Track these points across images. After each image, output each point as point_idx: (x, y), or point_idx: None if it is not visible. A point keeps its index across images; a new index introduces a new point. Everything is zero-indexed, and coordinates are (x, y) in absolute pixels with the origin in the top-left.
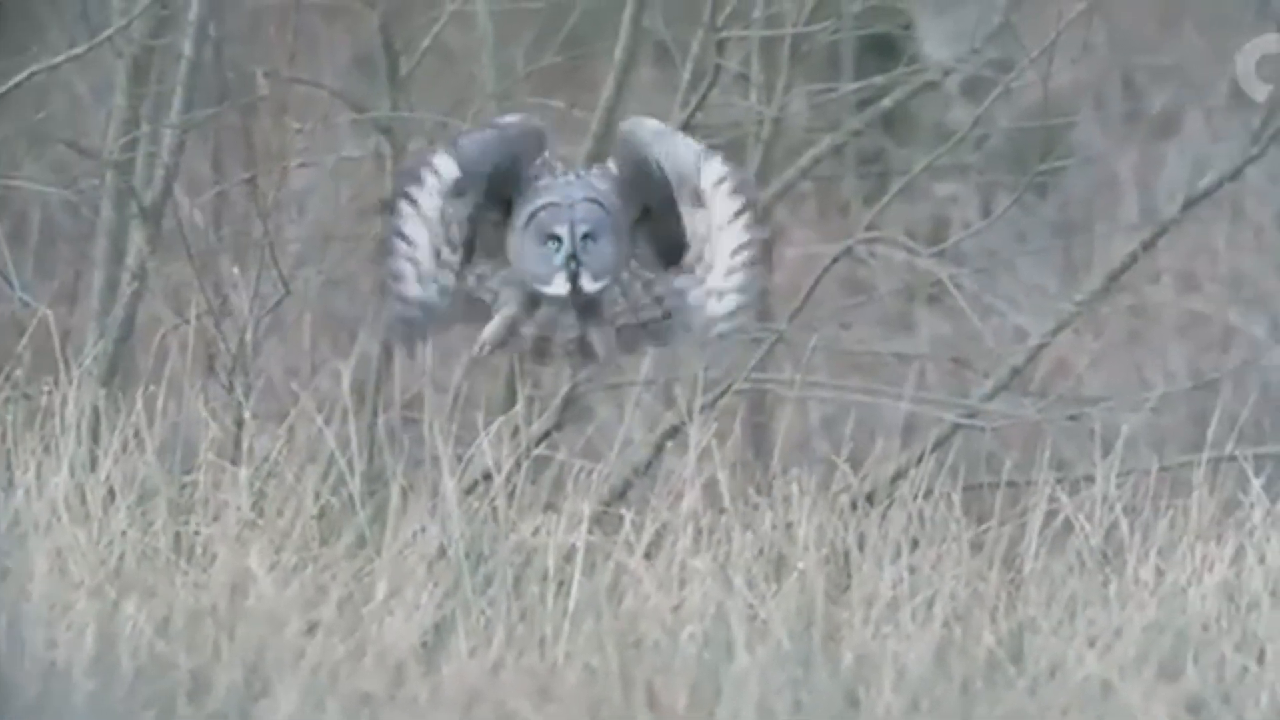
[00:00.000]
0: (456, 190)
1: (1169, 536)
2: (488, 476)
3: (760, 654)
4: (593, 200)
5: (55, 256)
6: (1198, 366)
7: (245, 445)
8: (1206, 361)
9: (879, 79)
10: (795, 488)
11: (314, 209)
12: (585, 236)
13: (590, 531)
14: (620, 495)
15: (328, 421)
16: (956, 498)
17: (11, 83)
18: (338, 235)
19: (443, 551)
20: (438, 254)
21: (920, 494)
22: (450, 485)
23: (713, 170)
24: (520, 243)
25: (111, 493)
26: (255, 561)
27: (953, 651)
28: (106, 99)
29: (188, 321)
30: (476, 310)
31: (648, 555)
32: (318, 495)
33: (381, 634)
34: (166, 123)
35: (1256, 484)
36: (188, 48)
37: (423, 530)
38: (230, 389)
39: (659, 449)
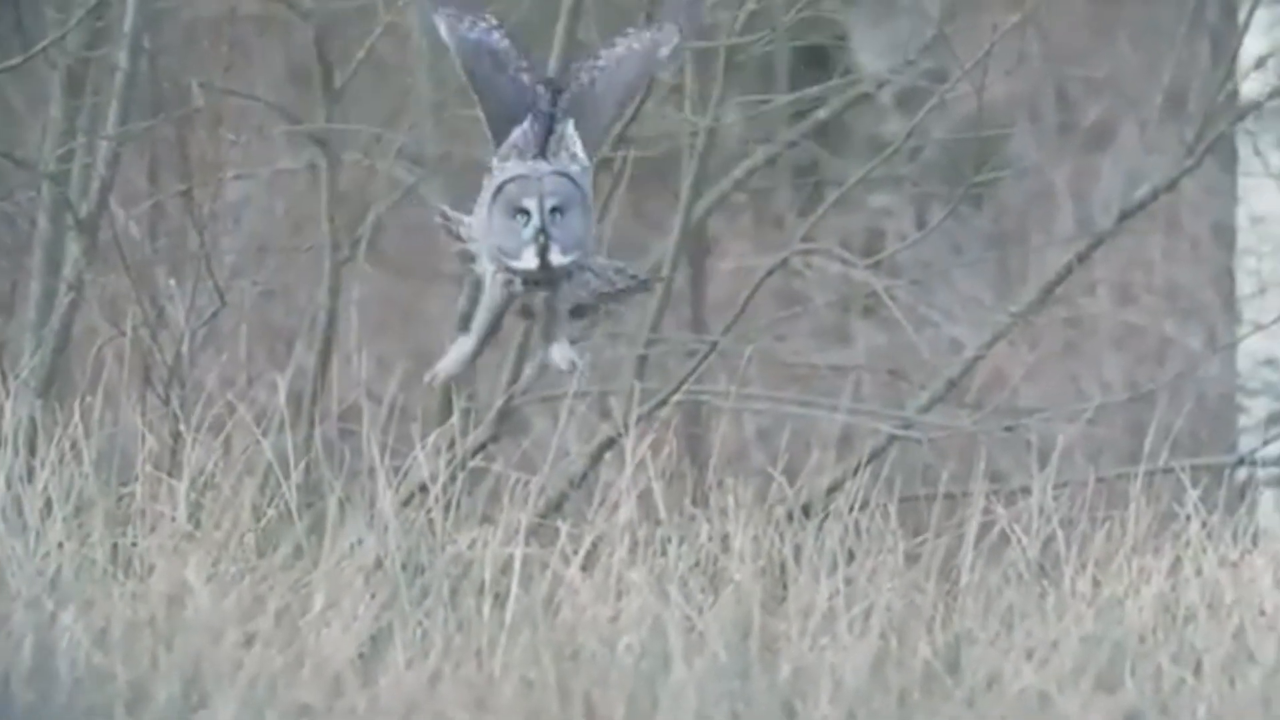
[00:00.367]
0: None
1: (1106, 548)
2: (424, 488)
3: (697, 665)
4: (561, 174)
5: None
6: (1134, 378)
7: (182, 457)
8: (1142, 373)
9: (813, 90)
10: (731, 499)
11: (250, 221)
12: (554, 210)
13: (527, 543)
14: (557, 507)
15: (265, 433)
16: (893, 509)
17: None
18: (273, 247)
19: (380, 563)
20: None
21: (856, 506)
22: (387, 497)
23: None
24: (488, 215)
25: (48, 504)
26: (193, 573)
27: (890, 663)
28: (42, 111)
29: (124, 333)
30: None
31: (584, 567)
32: (255, 507)
33: (319, 645)
34: (102, 134)
35: (1193, 496)
36: (123, 59)
37: (360, 542)
38: (167, 400)
39: (595, 461)
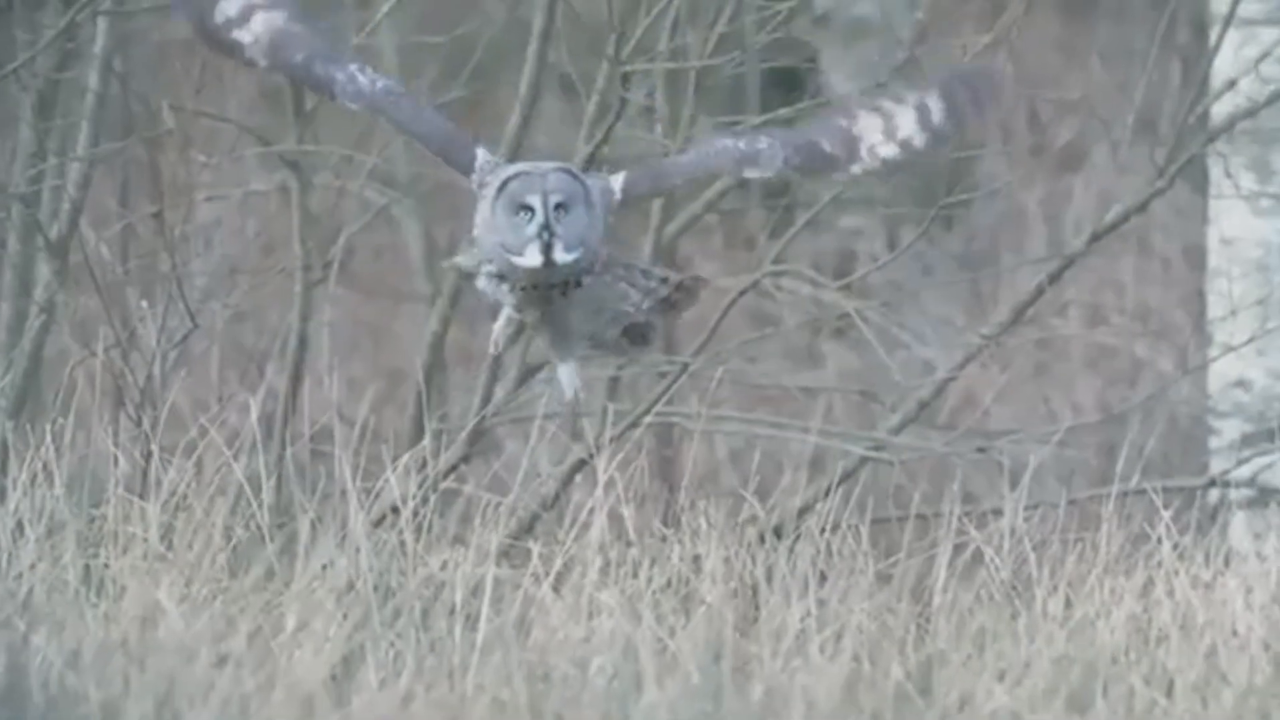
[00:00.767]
0: None
1: (1078, 569)
2: (396, 509)
3: (669, 687)
4: (564, 170)
5: None
6: (1105, 399)
7: (154, 478)
8: (1114, 395)
9: (784, 112)
10: (703, 520)
11: (221, 242)
12: (558, 206)
13: (498, 564)
14: (528, 528)
15: (236, 454)
16: (865, 530)
17: None
18: (245, 268)
19: (352, 584)
20: None
21: (828, 527)
22: (359, 518)
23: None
24: (491, 213)
25: (20, 525)
26: (165, 594)
27: (862, 684)
28: (12, 132)
29: (95, 354)
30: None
31: (556, 588)
32: (227, 528)
33: (291, 666)
34: (73, 156)
35: (1165, 517)
36: (93, 81)
37: (332, 563)
38: (138, 422)
39: (566, 482)
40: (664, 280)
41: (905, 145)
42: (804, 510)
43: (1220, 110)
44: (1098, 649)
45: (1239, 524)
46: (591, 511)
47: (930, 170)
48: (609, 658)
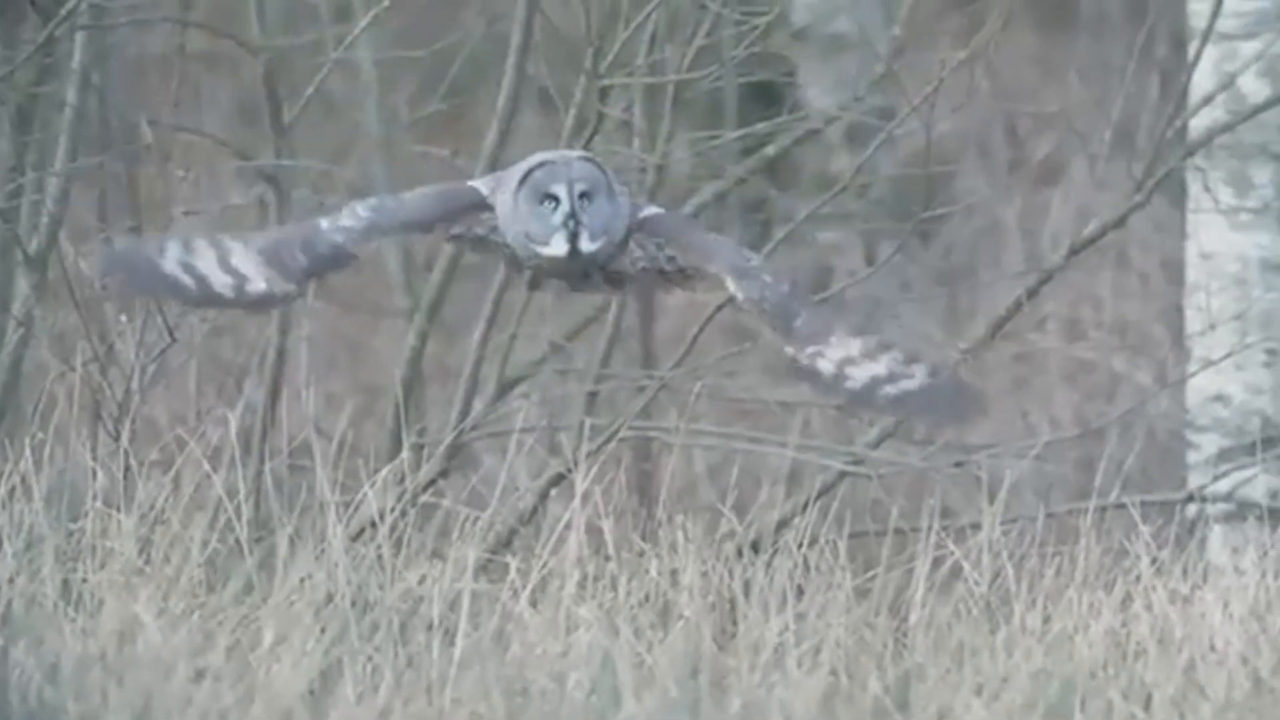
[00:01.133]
0: None
1: (1056, 584)
2: (374, 524)
3: (647, 701)
4: (587, 160)
5: None
6: (1083, 414)
7: (132, 492)
8: (1092, 409)
9: (762, 126)
10: (681, 535)
11: None
12: (582, 195)
13: (476, 578)
14: (506, 542)
15: (214, 468)
16: (842, 545)
17: None
18: None
19: (330, 598)
20: None
21: (806, 541)
22: (337, 532)
23: None
24: (513, 203)
25: None
26: (143, 608)
27: (840, 699)
28: None
29: (74, 369)
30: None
31: (534, 602)
32: (205, 542)
33: (269, 680)
34: (51, 171)
35: (1143, 531)
36: (71, 95)
37: (310, 577)
38: (117, 436)
39: (544, 496)
40: (672, 258)
41: (858, 385)
42: (782, 524)
43: (1198, 124)
44: (1076, 663)
45: (1217, 538)
46: (569, 526)
47: (907, 185)
48: (587, 672)
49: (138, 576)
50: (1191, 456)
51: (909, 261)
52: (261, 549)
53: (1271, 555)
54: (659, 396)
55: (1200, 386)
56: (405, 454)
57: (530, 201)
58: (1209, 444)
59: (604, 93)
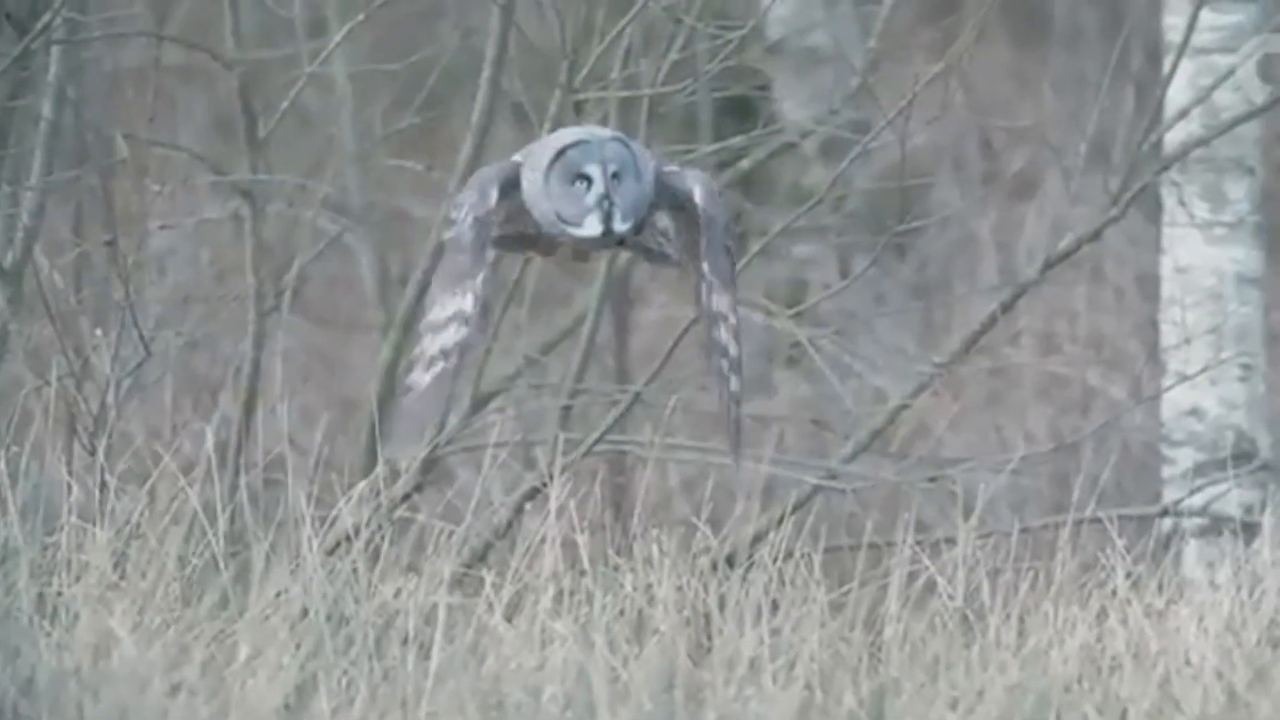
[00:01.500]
0: None
1: (1031, 598)
2: (349, 538)
3: (622, 716)
4: (618, 139)
5: None
6: (1058, 428)
7: (107, 506)
8: (1067, 423)
9: (737, 140)
10: (655, 549)
11: (174, 271)
12: (615, 176)
13: (451, 593)
14: (481, 557)
15: (190, 483)
16: (817, 559)
17: None
18: (198, 297)
19: (305, 613)
20: None
21: (781, 556)
22: (312, 547)
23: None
24: (544, 182)
25: None
26: (118, 623)
27: (815, 713)
28: None
29: (49, 383)
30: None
31: (509, 617)
32: (180, 557)
33: (245, 695)
34: (26, 185)
35: (1118, 545)
36: (47, 109)
37: (285, 591)
38: (92, 450)
39: (519, 510)
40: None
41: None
42: (757, 539)
43: (1174, 138)
44: (1051, 678)
45: (1192, 553)
46: (544, 540)
47: (882, 198)
48: (562, 686)
49: (113, 590)
50: (1166, 471)
51: (884, 275)
52: (237, 563)
53: (1246, 570)
54: (633, 411)
55: (1175, 401)
56: (380, 468)
57: (562, 181)
58: (1184, 459)
59: (579, 106)
